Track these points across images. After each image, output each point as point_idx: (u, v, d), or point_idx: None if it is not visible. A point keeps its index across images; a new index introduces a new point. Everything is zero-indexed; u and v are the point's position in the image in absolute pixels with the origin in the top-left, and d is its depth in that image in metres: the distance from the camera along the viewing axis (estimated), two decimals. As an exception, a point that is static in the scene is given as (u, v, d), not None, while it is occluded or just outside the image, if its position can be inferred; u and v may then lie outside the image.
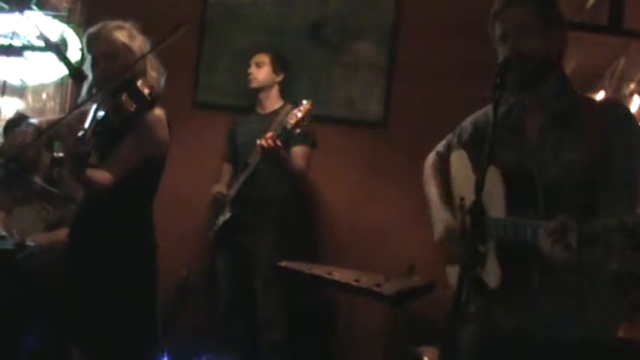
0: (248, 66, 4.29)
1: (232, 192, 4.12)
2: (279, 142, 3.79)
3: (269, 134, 3.81)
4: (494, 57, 2.22)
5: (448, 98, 4.47)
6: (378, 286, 3.15)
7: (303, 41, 4.61)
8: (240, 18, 4.67)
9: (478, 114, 2.51)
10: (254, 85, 4.25)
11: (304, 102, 3.84)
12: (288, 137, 3.87)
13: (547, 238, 1.87)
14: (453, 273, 2.38)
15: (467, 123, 2.53)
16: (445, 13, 4.60)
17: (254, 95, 4.29)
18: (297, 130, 3.85)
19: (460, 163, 2.41)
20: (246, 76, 4.33)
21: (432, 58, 4.57)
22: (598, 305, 2.15)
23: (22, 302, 3.61)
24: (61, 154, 4.06)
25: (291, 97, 4.27)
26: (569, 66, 6.56)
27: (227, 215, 4.11)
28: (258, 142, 3.84)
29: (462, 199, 2.35)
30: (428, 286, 3.47)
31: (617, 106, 2.25)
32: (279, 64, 4.27)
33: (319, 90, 4.48)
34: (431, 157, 2.64)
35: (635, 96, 6.59)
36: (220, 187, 4.22)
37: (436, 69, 4.55)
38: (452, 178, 2.47)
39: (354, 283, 3.20)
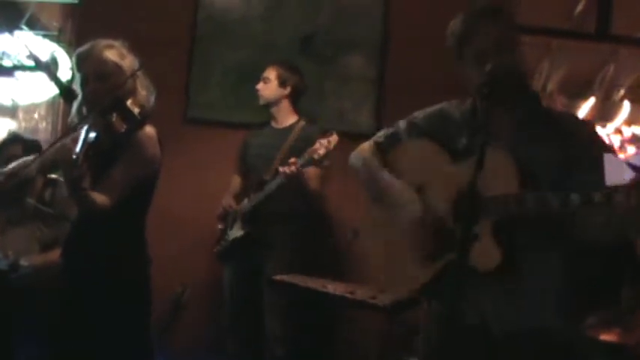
0: (257, 78, 4.23)
1: (245, 208, 4.09)
2: (301, 169, 3.81)
3: (293, 160, 3.81)
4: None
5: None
6: (373, 297, 3.15)
7: (294, 55, 4.62)
8: (230, 33, 4.69)
9: (429, 111, 2.48)
10: (261, 101, 4.20)
11: (333, 134, 3.81)
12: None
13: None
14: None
15: (417, 119, 2.48)
16: (434, 25, 4.59)
17: (267, 111, 4.23)
18: (325, 163, 3.87)
19: (423, 151, 2.38)
20: (236, 89, 4.34)
21: (421, 70, 4.59)
22: (554, 298, 2.19)
23: (15, 320, 3.61)
24: (53, 176, 4.07)
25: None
26: (559, 73, 6.59)
27: (239, 233, 4.08)
28: (281, 169, 3.83)
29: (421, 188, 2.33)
30: (423, 297, 3.46)
31: (582, 120, 2.35)
32: (285, 76, 4.18)
33: (310, 103, 4.49)
34: (367, 145, 2.57)
35: (625, 102, 6.63)
36: (230, 200, 4.19)
37: (426, 81, 4.56)
38: (402, 169, 2.41)
39: (348, 296, 3.20)
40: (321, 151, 3.77)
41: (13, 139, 4.15)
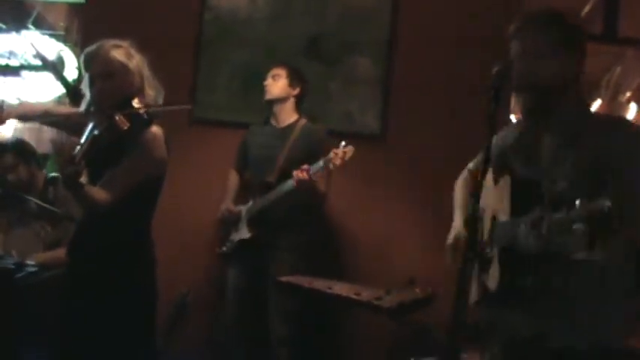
0: (264, 79, 4.22)
1: (252, 210, 4.08)
2: (313, 176, 3.80)
3: (305, 167, 3.79)
4: (488, 71, 2.17)
5: (445, 111, 4.50)
6: (378, 299, 3.14)
7: (300, 56, 4.62)
8: (237, 34, 4.69)
9: (502, 134, 2.51)
10: (268, 97, 4.17)
11: (349, 145, 3.78)
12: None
13: (525, 229, 1.98)
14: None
15: (494, 142, 2.48)
16: (441, 27, 4.62)
17: (268, 108, 4.22)
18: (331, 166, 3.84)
19: (487, 179, 2.42)
20: (243, 90, 4.32)
21: (428, 72, 4.59)
22: (608, 313, 2.16)
23: (20, 320, 3.61)
24: (54, 174, 4.06)
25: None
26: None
27: (246, 235, 4.08)
28: (295, 174, 3.81)
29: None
30: (428, 298, 3.46)
31: (627, 126, 2.27)
32: (295, 78, 4.19)
33: (317, 104, 4.48)
34: (462, 175, 2.70)
35: (632, 103, 6.62)
36: (229, 204, 4.19)
37: (432, 82, 4.57)
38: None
39: (354, 297, 3.19)
40: (337, 162, 3.75)
41: (1, 149, 4.08)
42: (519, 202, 2.14)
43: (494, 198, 2.28)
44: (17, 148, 4.08)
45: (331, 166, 3.76)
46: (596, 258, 2.01)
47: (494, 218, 2.18)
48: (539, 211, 1.95)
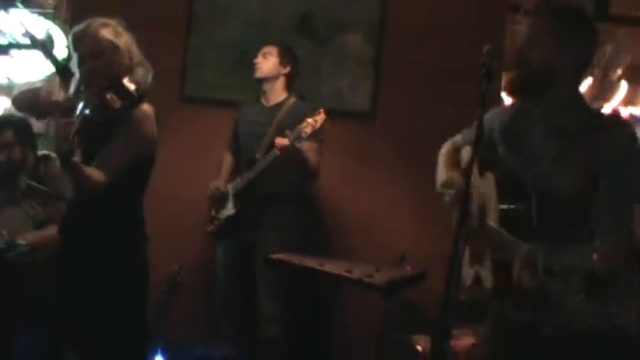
0: (255, 57, 4.22)
1: (238, 187, 4.10)
2: (294, 144, 3.85)
3: (287, 133, 3.84)
4: (478, 50, 2.15)
5: (435, 89, 4.49)
6: (370, 276, 3.15)
7: (291, 34, 4.60)
8: (227, 12, 4.67)
9: (492, 113, 2.45)
10: (258, 74, 4.17)
11: (321, 111, 3.85)
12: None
13: (518, 262, 1.99)
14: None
15: (484, 120, 2.49)
16: (433, 5, 4.61)
17: (258, 86, 4.22)
18: (321, 137, 3.94)
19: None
20: (233, 69, 4.32)
21: (419, 50, 4.58)
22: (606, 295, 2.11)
23: (13, 301, 3.61)
24: (45, 152, 4.04)
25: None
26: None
27: (231, 211, 4.10)
28: (276, 141, 3.86)
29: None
30: (419, 276, 3.48)
31: (621, 127, 2.20)
32: (286, 56, 4.19)
33: (307, 82, 4.47)
34: (446, 145, 2.64)
35: (623, 81, 6.63)
36: (219, 182, 4.20)
37: (423, 61, 4.56)
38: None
39: (345, 274, 3.20)
40: (308, 130, 3.81)
41: (3, 125, 4.05)
42: (507, 192, 2.16)
43: (482, 179, 2.28)
44: (19, 126, 4.03)
45: (303, 134, 3.81)
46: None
47: (483, 204, 2.17)
48: (531, 250, 1.98)
